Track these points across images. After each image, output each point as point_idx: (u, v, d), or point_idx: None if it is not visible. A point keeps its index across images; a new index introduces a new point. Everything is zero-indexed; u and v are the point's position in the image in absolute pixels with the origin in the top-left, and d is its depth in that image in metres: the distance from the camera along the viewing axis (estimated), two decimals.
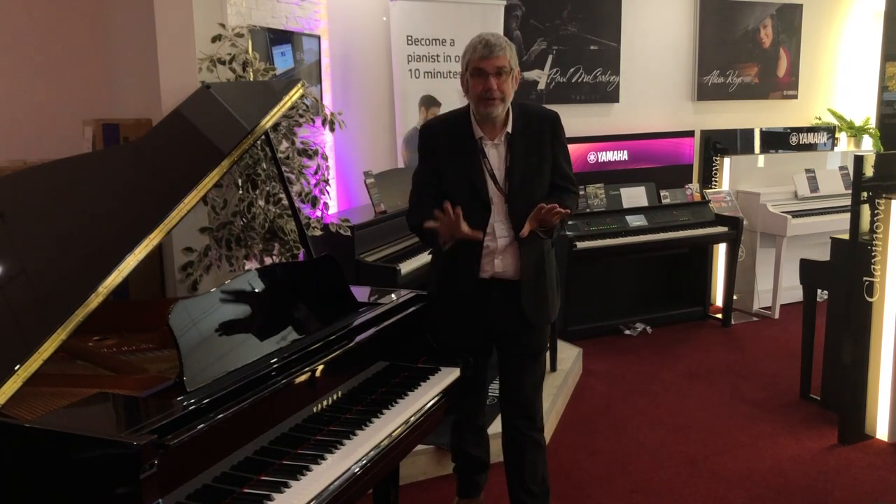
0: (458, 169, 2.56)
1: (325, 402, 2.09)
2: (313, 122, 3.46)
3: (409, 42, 4.82)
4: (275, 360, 1.96)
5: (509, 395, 2.76)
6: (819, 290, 4.21)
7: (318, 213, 3.34)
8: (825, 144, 6.64)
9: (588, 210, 5.30)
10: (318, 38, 4.45)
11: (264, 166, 3.10)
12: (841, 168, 6.08)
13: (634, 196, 5.46)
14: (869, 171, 3.55)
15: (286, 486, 1.75)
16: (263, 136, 2.55)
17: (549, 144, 2.60)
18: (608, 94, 6.00)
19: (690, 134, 6.18)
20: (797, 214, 5.59)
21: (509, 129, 2.56)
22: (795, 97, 6.83)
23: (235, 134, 2.33)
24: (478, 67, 2.46)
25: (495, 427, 3.16)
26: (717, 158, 6.01)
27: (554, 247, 2.76)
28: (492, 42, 2.46)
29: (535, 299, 2.64)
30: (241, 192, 3.10)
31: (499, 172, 2.57)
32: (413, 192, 2.68)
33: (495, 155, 2.57)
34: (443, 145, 2.60)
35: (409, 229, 2.69)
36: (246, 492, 1.72)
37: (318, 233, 3.26)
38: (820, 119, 6.86)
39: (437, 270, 2.74)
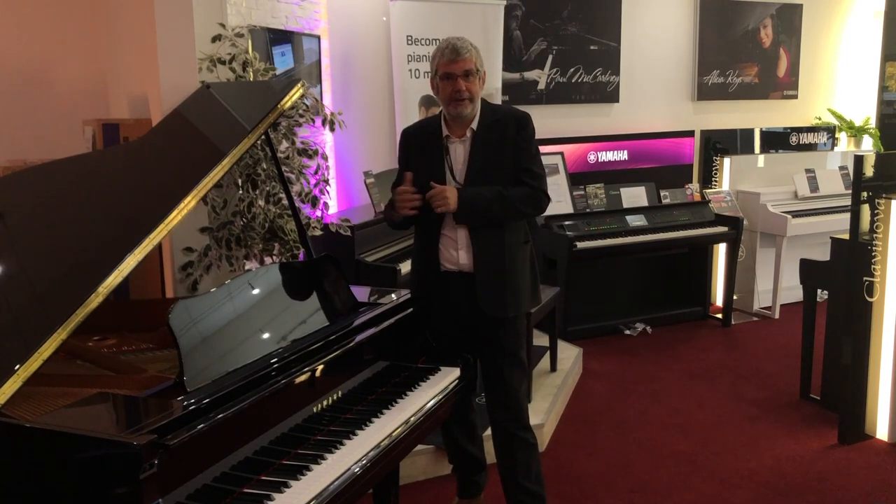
0: (422, 166, 2.69)
1: (325, 402, 2.09)
2: (313, 122, 3.46)
3: (409, 42, 4.82)
4: (275, 360, 1.95)
5: (493, 397, 2.79)
6: (819, 290, 4.21)
7: (318, 213, 3.34)
8: (825, 144, 6.64)
9: (588, 210, 5.30)
10: (318, 38, 4.45)
11: (264, 166, 3.10)
12: (841, 168, 6.08)
13: (634, 196, 5.46)
14: (869, 171, 3.55)
15: (286, 486, 1.75)
16: (263, 136, 2.55)
17: (511, 139, 2.66)
18: (608, 94, 6.00)
19: (690, 134, 6.19)
20: (797, 214, 5.59)
21: (474, 126, 2.66)
22: (795, 97, 6.83)
23: (235, 134, 2.32)
24: (447, 72, 2.59)
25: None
26: (717, 158, 6.01)
27: (528, 242, 2.77)
28: (458, 46, 2.59)
29: (491, 290, 2.67)
30: (241, 192, 3.10)
31: (460, 167, 2.67)
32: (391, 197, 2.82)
33: (460, 151, 2.68)
34: (415, 147, 2.75)
35: (388, 225, 2.84)
36: (246, 492, 1.72)
37: (318, 233, 3.26)
38: (820, 119, 6.87)
39: (412, 264, 2.92)
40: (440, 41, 2.68)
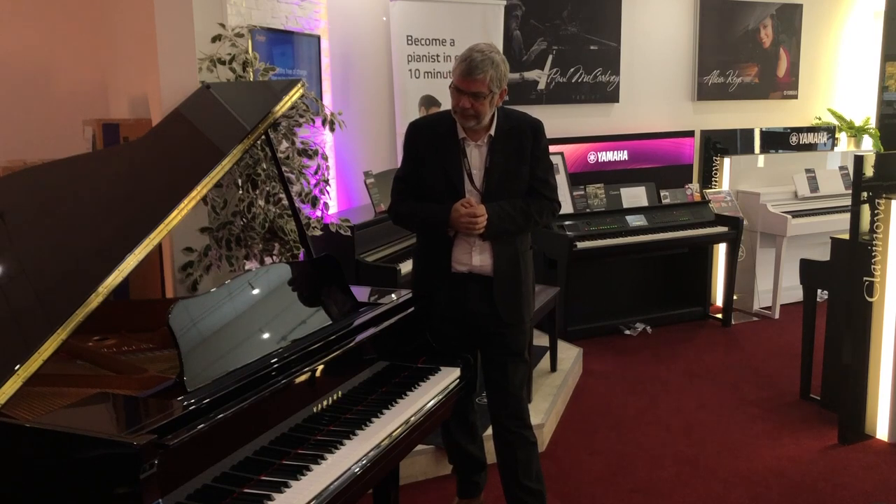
0: (437, 166, 2.65)
1: (325, 402, 2.09)
2: (313, 122, 3.46)
3: (409, 42, 4.82)
4: (275, 360, 1.95)
5: (495, 395, 2.80)
6: (819, 290, 4.21)
7: (318, 213, 3.34)
8: (825, 144, 6.64)
9: (588, 210, 5.30)
10: (318, 38, 4.45)
11: (264, 166, 3.10)
12: (841, 168, 6.08)
13: (634, 196, 5.46)
14: (869, 171, 3.55)
15: (286, 486, 1.75)
16: (263, 136, 2.54)
17: (528, 149, 2.66)
18: (608, 94, 6.00)
19: (690, 134, 6.19)
20: (797, 214, 5.59)
21: (492, 132, 2.64)
22: (795, 97, 6.83)
23: (235, 134, 2.32)
24: (457, 85, 2.55)
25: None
26: (717, 158, 6.01)
27: (532, 248, 2.81)
28: (473, 66, 2.48)
29: (509, 296, 2.69)
30: (241, 192, 3.10)
31: (477, 172, 2.65)
32: (395, 189, 2.78)
33: (476, 155, 2.65)
34: (426, 142, 2.68)
35: (394, 220, 2.80)
36: (246, 492, 1.72)
37: (318, 233, 3.27)
38: (820, 119, 6.87)
39: (416, 263, 2.88)
40: (467, 49, 2.54)
